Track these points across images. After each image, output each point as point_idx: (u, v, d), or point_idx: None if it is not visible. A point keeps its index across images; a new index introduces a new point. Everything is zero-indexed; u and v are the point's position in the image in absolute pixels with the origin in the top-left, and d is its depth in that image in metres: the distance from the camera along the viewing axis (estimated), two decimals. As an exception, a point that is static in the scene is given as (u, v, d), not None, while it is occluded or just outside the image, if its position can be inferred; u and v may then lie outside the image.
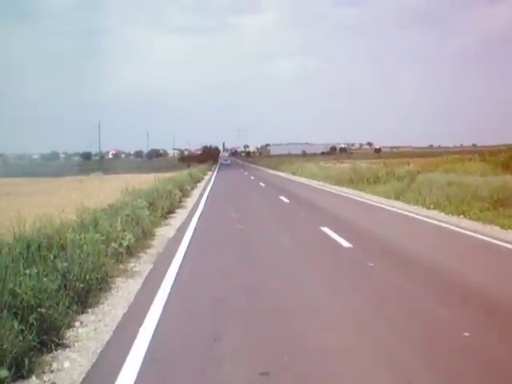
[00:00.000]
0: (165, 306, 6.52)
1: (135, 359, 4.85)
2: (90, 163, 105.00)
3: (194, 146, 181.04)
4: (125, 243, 9.40)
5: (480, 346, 5.08)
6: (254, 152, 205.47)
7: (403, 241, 11.47)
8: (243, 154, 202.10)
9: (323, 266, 9.01)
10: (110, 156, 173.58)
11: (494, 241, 10.89)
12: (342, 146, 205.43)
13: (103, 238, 8.60)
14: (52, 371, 4.75)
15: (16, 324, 4.73)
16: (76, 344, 5.42)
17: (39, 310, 5.18)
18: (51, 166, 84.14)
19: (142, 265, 9.19)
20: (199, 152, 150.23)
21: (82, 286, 6.56)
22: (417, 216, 15.47)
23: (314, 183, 34.93)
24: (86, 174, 52.46)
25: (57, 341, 5.27)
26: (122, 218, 10.66)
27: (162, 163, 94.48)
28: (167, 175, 30.12)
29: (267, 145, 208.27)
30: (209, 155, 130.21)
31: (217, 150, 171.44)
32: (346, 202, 21.64)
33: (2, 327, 4.56)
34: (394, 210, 17.44)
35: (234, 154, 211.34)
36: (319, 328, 5.70)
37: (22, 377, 4.52)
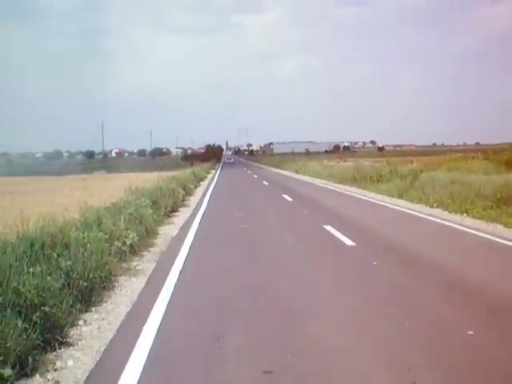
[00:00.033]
0: (168, 305, 6.53)
1: (139, 358, 4.86)
2: (93, 162, 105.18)
3: (197, 144, 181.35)
4: (128, 242, 9.41)
5: (484, 344, 5.07)
6: (257, 151, 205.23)
7: (406, 239, 11.45)
8: (246, 153, 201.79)
9: (327, 265, 9.00)
10: (113, 155, 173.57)
11: (498, 239, 10.86)
12: (346, 144, 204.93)
13: (106, 236, 8.61)
14: (56, 370, 4.76)
15: (20, 322, 4.74)
16: (79, 342, 5.43)
17: (43, 308, 5.19)
18: (54, 165, 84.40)
19: (146, 263, 9.19)
20: (202, 151, 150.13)
21: (85, 284, 6.57)
22: (420, 214, 15.45)
23: (317, 181, 34.91)
24: (89, 172, 52.52)
25: (60, 339, 5.28)
26: (125, 217, 10.66)
27: (165, 162, 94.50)
28: (170, 174, 30.13)
29: (270, 143, 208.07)
30: (212, 154, 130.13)
31: (220, 149, 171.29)
32: (349, 200, 21.61)
33: (5, 326, 4.57)
34: (397, 208, 17.41)
35: (237, 152, 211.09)
36: (322, 327, 5.69)
37: (26, 375, 4.53)
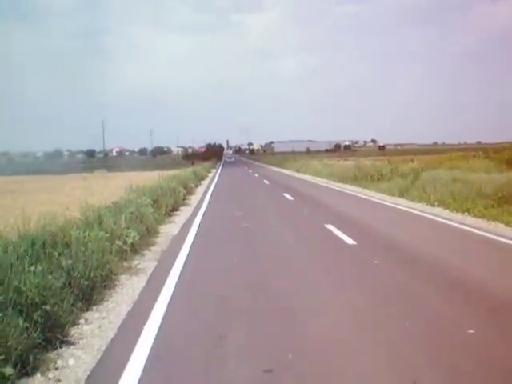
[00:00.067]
0: (169, 304, 6.53)
1: (140, 357, 4.86)
2: (94, 161, 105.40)
3: (198, 143, 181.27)
4: (129, 241, 9.42)
5: (485, 343, 5.06)
6: (258, 149, 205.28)
7: (407, 238, 11.45)
8: (247, 152, 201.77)
9: (327, 264, 9.00)
10: (114, 154, 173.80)
11: (499, 238, 10.85)
12: (346, 143, 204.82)
13: (107, 235, 8.62)
14: (57, 368, 4.77)
15: (21, 321, 4.75)
16: (81, 341, 5.44)
17: (44, 307, 5.20)
18: (55, 164, 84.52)
19: (147, 262, 9.20)
20: (203, 149, 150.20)
21: (86, 283, 6.57)
22: (421, 213, 15.44)
23: (318, 180, 34.90)
24: (90, 171, 52.61)
25: (61, 338, 5.29)
26: (126, 216, 10.67)
27: (166, 161, 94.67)
28: (171, 173, 30.14)
29: (271, 142, 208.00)
30: (213, 153, 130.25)
31: (221, 148, 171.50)
32: (350, 199, 21.61)
33: (7, 324, 4.58)
34: (398, 207, 17.40)
35: (238, 151, 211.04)
36: (323, 325, 5.69)
37: (27, 374, 4.54)
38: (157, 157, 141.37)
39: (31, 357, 4.61)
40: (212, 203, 20.52)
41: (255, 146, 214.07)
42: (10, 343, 4.42)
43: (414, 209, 16.59)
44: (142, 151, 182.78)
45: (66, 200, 13.99)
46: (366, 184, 26.35)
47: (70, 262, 6.62)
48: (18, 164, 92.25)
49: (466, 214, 14.59)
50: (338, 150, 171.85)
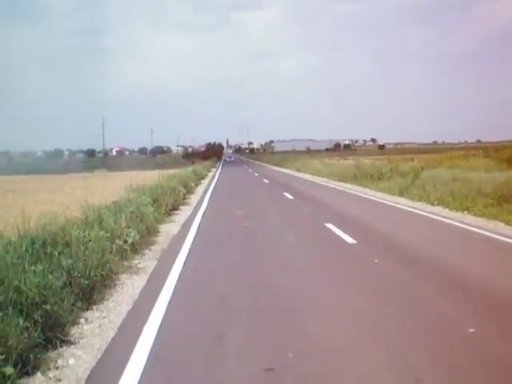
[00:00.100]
0: (169, 303, 6.53)
1: (140, 356, 4.86)
2: (94, 160, 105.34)
3: (198, 142, 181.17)
4: (129, 240, 9.42)
5: (485, 342, 5.07)
6: (257, 149, 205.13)
7: (407, 237, 11.45)
8: (247, 151, 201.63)
9: (328, 263, 9.01)
10: (114, 153, 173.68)
11: (499, 237, 10.85)
12: (346, 142, 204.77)
13: (108, 234, 8.62)
14: (57, 368, 4.77)
15: (21, 321, 4.74)
16: (81, 341, 5.44)
17: (44, 306, 5.20)
18: (55, 164, 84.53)
19: (147, 261, 9.20)
20: (203, 149, 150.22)
21: (86, 282, 6.57)
22: (421, 212, 15.44)
23: (318, 180, 34.90)
24: (90, 170, 52.64)
25: (62, 337, 5.29)
26: (126, 215, 10.67)
27: (165, 160, 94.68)
28: (171, 172, 30.16)
29: (271, 141, 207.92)
30: (213, 152, 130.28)
31: (221, 147, 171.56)
32: (350, 198, 21.61)
33: (7, 324, 4.58)
34: (398, 206, 17.40)
35: (238, 150, 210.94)
36: (324, 325, 5.69)
37: (28, 373, 4.54)
38: (157, 156, 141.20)
39: (32, 356, 4.61)
40: (212, 202, 20.52)
41: (255, 146, 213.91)
42: (10, 343, 4.42)
43: (413, 208, 16.59)
44: (142, 150, 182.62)
45: (67, 199, 14.00)
46: (366, 183, 26.35)
47: (70, 261, 6.62)
48: (19, 163, 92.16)
49: (466, 212, 14.59)
50: (338, 149, 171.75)
